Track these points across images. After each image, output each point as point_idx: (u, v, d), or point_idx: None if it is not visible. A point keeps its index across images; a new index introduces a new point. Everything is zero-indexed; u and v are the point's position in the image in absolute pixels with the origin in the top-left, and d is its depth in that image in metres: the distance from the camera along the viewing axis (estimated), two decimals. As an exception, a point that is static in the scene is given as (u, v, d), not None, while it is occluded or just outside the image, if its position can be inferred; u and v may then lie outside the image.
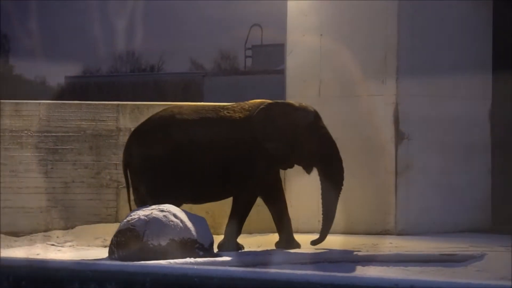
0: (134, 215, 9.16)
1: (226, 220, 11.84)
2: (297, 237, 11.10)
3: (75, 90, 23.69)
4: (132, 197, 10.09)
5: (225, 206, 11.81)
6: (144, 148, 9.87)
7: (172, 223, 9.03)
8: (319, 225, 10.93)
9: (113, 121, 11.76)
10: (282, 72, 13.11)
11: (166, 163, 9.77)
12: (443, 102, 11.96)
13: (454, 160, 12.01)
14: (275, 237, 10.67)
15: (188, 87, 22.67)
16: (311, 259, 9.02)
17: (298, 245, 10.02)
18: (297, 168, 11.93)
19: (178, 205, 9.54)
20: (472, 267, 8.82)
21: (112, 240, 9.19)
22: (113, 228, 9.73)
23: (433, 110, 11.88)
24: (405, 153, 11.53)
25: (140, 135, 9.99)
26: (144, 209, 9.24)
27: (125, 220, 9.21)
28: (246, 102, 10.18)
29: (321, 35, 12.11)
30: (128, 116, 11.80)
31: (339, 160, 9.92)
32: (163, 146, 9.80)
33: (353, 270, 8.57)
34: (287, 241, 10.05)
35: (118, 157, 11.72)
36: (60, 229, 11.28)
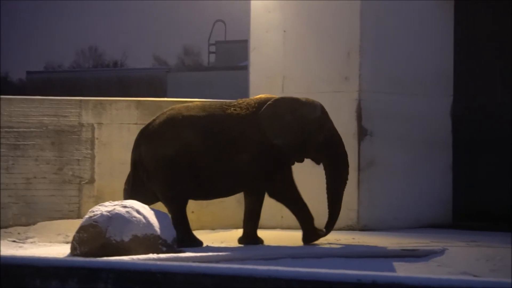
0: (96, 211, 9.11)
1: (189, 216, 11.82)
2: (261, 233, 11.12)
3: (37, 85, 23.51)
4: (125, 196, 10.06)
5: (189, 202, 11.80)
6: (153, 146, 9.87)
7: (135, 219, 9.00)
8: (282, 221, 10.97)
9: (75, 117, 11.70)
10: (245, 68, 13.11)
11: (175, 161, 9.77)
12: (406, 99, 12.05)
13: (416, 157, 12.10)
14: (238, 233, 10.67)
15: (151, 83, 22.60)
16: (274, 254, 9.04)
17: (260, 241, 10.02)
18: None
19: (187, 201, 9.85)
20: (433, 262, 8.90)
21: (74, 237, 9.14)
22: (75, 224, 9.68)
23: (396, 107, 11.96)
24: (368, 149, 11.60)
25: (149, 133, 9.98)
26: (106, 205, 9.20)
27: (87, 216, 9.17)
28: (252, 98, 10.23)
29: (284, 31, 12.14)
30: (90, 111, 11.75)
31: (345, 154, 10.03)
32: (172, 145, 9.81)
33: (316, 265, 8.60)
34: (249, 236, 10.07)
35: (80, 153, 11.66)
36: (21, 225, 11.19)
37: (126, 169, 11.70)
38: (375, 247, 9.77)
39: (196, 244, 9.81)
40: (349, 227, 11.46)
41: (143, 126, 10.34)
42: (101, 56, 41.76)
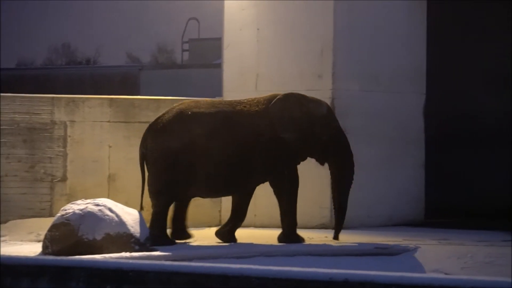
0: (68, 209, 9.06)
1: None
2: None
3: (9, 82, 23.34)
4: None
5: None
6: (160, 141, 9.84)
7: (108, 217, 8.96)
8: (255, 219, 10.96)
9: (47, 114, 11.62)
10: (219, 66, 13.10)
11: (182, 157, 9.75)
12: (379, 96, 12.09)
13: (389, 154, 12.14)
14: (212, 231, 10.66)
15: (124, 80, 22.50)
16: (247, 253, 9.04)
17: (302, 240, 10.02)
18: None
19: (190, 198, 9.93)
20: (405, 260, 8.93)
21: (46, 235, 9.09)
22: (47, 222, 9.62)
23: (369, 105, 12.00)
24: (341, 147, 11.59)
25: (157, 128, 9.94)
26: (78, 203, 9.16)
27: (59, 215, 9.12)
28: (261, 96, 10.23)
29: (258, 29, 12.14)
30: (63, 109, 11.68)
31: (350, 153, 10.05)
32: (180, 140, 9.79)
33: (289, 263, 8.61)
34: (288, 235, 10.00)
35: (52, 151, 11.59)
36: (-7, 223, 11.11)
37: (99, 167, 11.66)
38: (348, 245, 9.79)
39: (171, 242, 9.78)
40: (322, 225, 11.48)
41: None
42: (73, 53, 41.56)
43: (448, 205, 13.41)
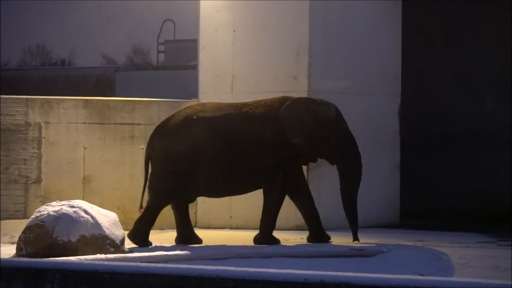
0: (43, 211, 9.01)
1: (137, 216, 11.77)
2: (209, 233, 11.11)
3: (-17, 83, 23.17)
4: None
5: (137, 201, 11.74)
6: (165, 143, 9.93)
7: (83, 219, 8.92)
8: (231, 221, 10.96)
9: (22, 116, 11.56)
10: (195, 67, 13.08)
11: (186, 158, 9.84)
12: (354, 98, 12.12)
13: (364, 156, 12.15)
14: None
15: (100, 82, 22.42)
16: (223, 254, 9.03)
17: (329, 238, 10.11)
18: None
19: (193, 198, 10.12)
20: (380, 262, 8.96)
21: (20, 237, 9.03)
22: (21, 224, 9.55)
23: (345, 107, 12.00)
24: (317, 149, 11.62)
25: (163, 130, 10.04)
26: (53, 204, 9.11)
27: (33, 216, 9.06)
28: (267, 98, 10.28)
29: (233, 31, 12.14)
30: (37, 110, 11.62)
31: (358, 155, 10.14)
32: (185, 142, 9.88)
33: (264, 265, 8.61)
34: (317, 236, 10.12)
35: (27, 152, 11.53)
36: (-34, 225, 11.03)
37: (74, 168, 11.61)
38: (323, 246, 9.80)
39: (148, 243, 9.82)
40: (298, 227, 11.49)
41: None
42: (48, 54, 41.36)
43: (423, 207, 13.47)
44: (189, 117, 10.01)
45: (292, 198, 10.25)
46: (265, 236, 9.98)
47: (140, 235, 9.75)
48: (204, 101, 12.14)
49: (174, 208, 10.18)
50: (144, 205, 9.96)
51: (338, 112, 10.18)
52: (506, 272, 8.47)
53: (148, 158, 10.07)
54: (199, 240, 10.11)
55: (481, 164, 14.08)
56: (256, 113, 10.03)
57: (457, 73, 14.36)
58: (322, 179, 11.61)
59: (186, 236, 10.10)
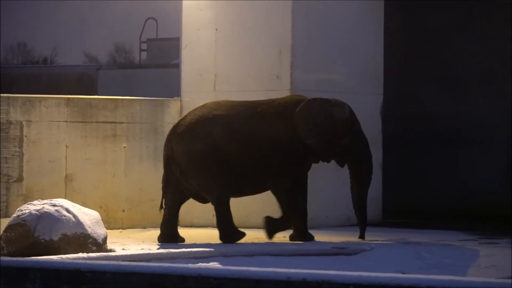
0: (25, 209, 8.98)
1: (120, 215, 11.75)
2: (192, 231, 11.10)
3: (-36, 82, 23.04)
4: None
5: (119, 201, 11.72)
6: (184, 143, 9.99)
7: (65, 218, 8.89)
8: (213, 220, 10.94)
9: (3, 114, 11.50)
10: (177, 66, 13.06)
11: (206, 156, 9.92)
12: (336, 97, 12.11)
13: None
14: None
15: (82, 80, 22.35)
16: (206, 253, 9.02)
17: (312, 237, 10.17)
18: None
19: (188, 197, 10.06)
20: (363, 260, 8.98)
21: (1, 236, 8.99)
22: (3, 223, 9.51)
23: (327, 106, 12.03)
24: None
25: (180, 130, 10.09)
26: (35, 203, 9.07)
27: (15, 215, 9.03)
28: (280, 97, 10.35)
29: (216, 29, 12.12)
30: (19, 109, 11.56)
31: (370, 156, 10.28)
32: (203, 141, 9.94)
33: (247, 263, 8.61)
34: (301, 234, 10.16)
35: (8, 151, 11.47)
36: None
37: (56, 167, 11.57)
38: (306, 245, 9.82)
39: (239, 236, 9.92)
40: (280, 225, 11.47)
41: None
42: (30, 53, 41.19)
43: (406, 205, 13.51)
44: (205, 116, 10.06)
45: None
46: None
47: (229, 232, 9.91)
48: (187, 99, 12.14)
49: (166, 204, 10.17)
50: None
51: (351, 113, 10.26)
52: (487, 270, 8.51)
53: (167, 158, 10.10)
54: (181, 239, 10.11)
55: (463, 162, 14.13)
56: (271, 112, 10.10)
57: (439, 72, 14.41)
58: (308, 178, 11.61)
59: (169, 234, 10.09)
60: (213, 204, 10.10)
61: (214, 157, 9.92)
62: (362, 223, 10.27)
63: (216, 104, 10.28)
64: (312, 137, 9.99)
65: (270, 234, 10.09)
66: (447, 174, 14.14)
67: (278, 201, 10.18)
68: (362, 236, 10.23)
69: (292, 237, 10.24)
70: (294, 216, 10.12)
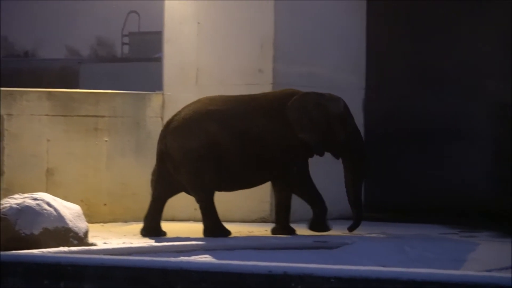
0: (5, 203, 8.95)
1: (101, 209, 11.72)
2: (174, 225, 11.09)
3: None
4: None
5: (100, 195, 11.70)
6: (178, 138, 9.97)
7: (46, 211, 8.87)
8: (195, 213, 10.95)
9: (-16, 108, 11.45)
10: (159, 60, 13.04)
11: (201, 152, 9.89)
12: (320, 91, 12.14)
13: (328, 149, 12.20)
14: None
15: (64, 74, 22.29)
16: (187, 247, 9.03)
17: (293, 231, 10.20)
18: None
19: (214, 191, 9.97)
20: (344, 253, 9.01)
21: (-18, 230, 8.96)
22: (-16, 217, 9.47)
23: (309, 100, 12.04)
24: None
25: (174, 125, 10.06)
26: (16, 197, 9.05)
27: (-4, 209, 8.99)
28: (276, 91, 10.39)
29: (198, 23, 12.11)
30: (0, 102, 11.50)
31: (365, 151, 10.34)
32: (199, 136, 9.94)
33: (228, 257, 8.62)
34: (283, 228, 10.19)
35: (-11, 145, 11.42)
36: None
37: (37, 161, 11.53)
38: (287, 238, 9.84)
39: (225, 233, 9.89)
40: (262, 219, 11.51)
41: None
42: (11, 46, 40.98)
43: (387, 199, 13.55)
44: (200, 111, 10.05)
45: (274, 185, 10.34)
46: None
47: (214, 229, 9.89)
48: (169, 93, 12.13)
49: (152, 197, 10.18)
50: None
51: (346, 107, 10.28)
52: (467, 263, 8.56)
53: (161, 153, 10.08)
54: (163, 233, 10.10)
55: (446, 158, 14.18)
56: (265, 106, 10.11)
57: (423, 67, 14.45)
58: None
59: (152, 228, 10.09)
60: (197, 200, 10.08)
61: (207, 154, 9.91)
62: (357, 218, 10.32)
63: (210, 99, 10.28)
64: (306, 131, 10.01)
65: (323, 229, 10.18)
66: (430, 169, 14.18)
67: (300, 197, 10.26)
68: (351, 230, 10.26)
69: (273, 231, 10.26)
70: (313, 205, 10.18)
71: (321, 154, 10.32)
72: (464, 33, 14.16)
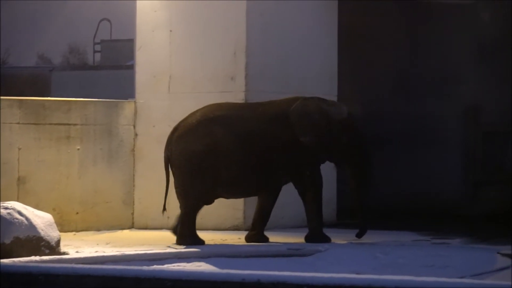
0: (-24, 213, 8.87)
1: (74, 217, 11.65)
2: (147, 233, 11.06)
3: None
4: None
5: (73, 203, 11.63)
6: (184, 145, 9.94)
7: (17, 220, 8.80)
8: (168, 221, 10.92)
9: (-46, 116, 11.35)
10: (131, 67, 13.01)
11: (206, 159, 9.88)
12: (292, 97, 12.17)
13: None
14: (124, 234, 10.57)
15: (35, 82, 22.18)
16: (161, 255, 9.00)
17: (267, 239, 10.19)
18: (147, 165, 11.87)
19: (213, 199, 10.03)
20: (318, 261, 9.02)
21: (-47, 239, 8.87)
22: (-46, 226, 9.38)
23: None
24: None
25: (181, 131, 10.04)
26: (-13, 206, 8.97)
27: (-33, 218, 8.90)
28: (281, 99, 10.34)
29: (170, 31, 12.09)
30: (-29, 110, 11.41)
31: (369, 157, 10.32)
32: (203, 143, 9.91)
33: (202, 266, 8.60)
34: (257, 236, 10.20)
35: (-40, 153, 11.32)
36: None
37: (8, 169, 11.44)
38: (261, 246, 9.83)
39: (199, 243, 9.83)
40: (235, 227, 11.50)
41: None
42: (-18, 54, 40.70)
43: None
44: (206, 117, 10.05)
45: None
46: (316, 235, 10.10)
47: (189, 238, 9.83)
48: (142, 101, 12.10)
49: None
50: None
51: (349, 114, 10.30)
52: (441, 270, 8.60)
53: (167, 160, 10.09)
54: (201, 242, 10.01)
55: (418, 163, 14.25)
56: (270, 112, 10.14)
57: (394, 73, 14.52)
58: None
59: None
60: (181, 205, 10.02)
61: (209, 162, 9.91)
62: (363, 224, 10.33)
63: (216, 105, 10.34)
64: (307, 135, 10.03)
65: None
66: (402, 175, 14.25)
67: (305, 204, 10.22)
68: (359, 236, 10.31)
69: (247, 239, 10.25)
70: (310, 216, 10.15)
71: (323, 161, 10.32)
72: (435, 38, 14.26)
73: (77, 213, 11.63)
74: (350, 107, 10.43)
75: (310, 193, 10.14)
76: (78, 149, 11.74)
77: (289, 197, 11.77)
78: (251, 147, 10.02)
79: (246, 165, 10.00)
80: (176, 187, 10.00)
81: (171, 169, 10.07)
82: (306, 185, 10.14)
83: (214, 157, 9.92)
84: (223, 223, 11.39)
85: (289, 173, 10.15)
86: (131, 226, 11.80)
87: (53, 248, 8.94)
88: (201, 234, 10.06)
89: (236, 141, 9.99)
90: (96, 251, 9.34)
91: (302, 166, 10.14)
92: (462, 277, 7.87)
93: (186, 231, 9.89)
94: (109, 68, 21.94)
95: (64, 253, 9.01)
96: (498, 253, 9.22)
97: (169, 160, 10.08)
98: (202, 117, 10.07)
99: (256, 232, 10.22)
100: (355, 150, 10.23)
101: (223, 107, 10.27)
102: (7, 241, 8.69)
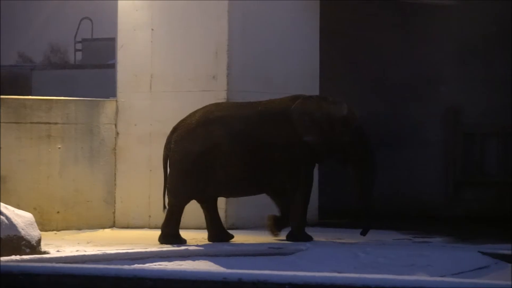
0: (-44, 212, 8.83)
1: (55, 217, 11.61)
2: (128, 232, 11.05)
3: None
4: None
5: (53, 203, 11.59)
6: (182, 144, 9.95)
7: (-3, 220, 8.77)
8: (150, 221, 10.92)
9: None
10: (113, 66, 12.97)
11: (203, 159, 9.88)
12: (274, 97, 12.17)
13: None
14: (105, 233, 10.53)
15: (15, 81, 22.05)
16: (141, 255, 8.98)
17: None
18: (129, 164, 11.85)
19: (211, 198, 10.05)
20: (299, 260, 9.04)
21: None
22: None
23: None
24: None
25: (180, 131, 10.04)
26: (-33, 205, 8.92)
27: None
28: (282, 97, 10.34)
29: (152, 30, 12.07)
30: (-50, 109, 11.35)
31: (373, 154, 10.27)
32: (202, 143, 9.91)
33: (183, 264, 8.60)
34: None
35: None
36: None
37: (-11, 168, 11.38)
38: (242, 245, 9.84)
39: (182, 241, 9.84)
40: (199, 226, 11.46)
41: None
42: (-38, 52, 40.45)
43: (341, 205, 13.61)
44: (206, 117, 10.06)
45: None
46: (298, 234, 10.07)
47: (171, 238, 9.83)
48: (123, 100, 12.07)
49: (203, 207, 10.23)
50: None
51: (350, 111, 10.28)
52: (422, 269, 8.63)
53: (166, 159, 10.09)
54: (183, 240, 10.00)
55: (398, 163, 14.29)
56: (270, 111, 10.13)
57: (375, 73, 14.55)
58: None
59: (216, 234, 10.13)
60: (168, 202, 10.01)
61: (205, 161, 9.90)
62: (368, 223, 10.31)
63: (216, 105, 10.36)
64: (309, 133, 10.03)
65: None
66: (383, 175, 14.28)
67: (291, 202, 10.19)
68: (364, 234, 10.30)
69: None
70: (294, 214, 10.13)
71: (324, 159, 10.32)
72: (415, 39, 14.30)
73: (58, 212, 11.59)
74: (351, 105, 10.40)
75: (300, 192, 10.13)
76: (59, 148, 11.70)
77: (268, 197, 11.79)
78: (251, 146, 10.02)
79: (247, 164, 10.01)
80: (167, 184, 10.01)
81: (169, 168, 10.06)
82: (297, 183, 10.13)
83: (213, 157, 9.91)
84: (204, 222, 11.37)
85: (285, 170, 10.13)
86: (112, 225, 11.77)
87: (34, 247, 8.91)
88: (183, 233, 10.06)
89: (236, 140, 9.99)
90: (77, 250, 9.31)
91: (299, 165, 10.13)
92: (443, 276, 7.90)
93: (168, 230, 9.88)
94: (90, 67, 21.85)
95: (45, 252, 8.99)
96: (479, 251, 9.27)
97: (167, 159, 10.08)
98: (201, 118, 10.08)
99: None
100: (357, 148, 10.21)
101: (222, 107, 10.29)
102: (-13, 240, 8.65)
